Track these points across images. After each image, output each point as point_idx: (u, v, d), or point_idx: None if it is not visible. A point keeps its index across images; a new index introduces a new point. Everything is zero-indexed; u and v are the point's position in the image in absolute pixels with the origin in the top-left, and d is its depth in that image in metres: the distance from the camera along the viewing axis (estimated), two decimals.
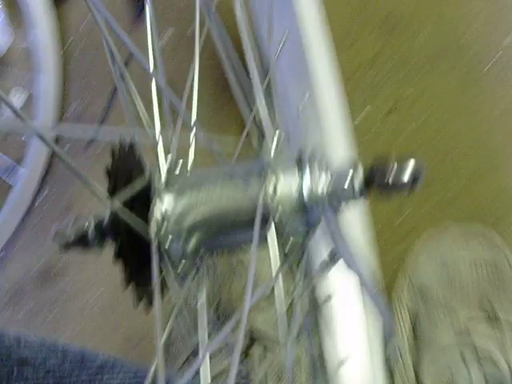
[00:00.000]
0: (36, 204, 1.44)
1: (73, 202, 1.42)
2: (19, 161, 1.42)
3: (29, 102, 1.44)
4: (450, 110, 1.18)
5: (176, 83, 1.34)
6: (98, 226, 0.51)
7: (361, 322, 0.98)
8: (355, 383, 0.97)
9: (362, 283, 0.49)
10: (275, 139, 0.52)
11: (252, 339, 0.99)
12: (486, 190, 1.12)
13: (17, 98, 1.43)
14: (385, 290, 1.06)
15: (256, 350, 0.97)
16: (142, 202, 0.49)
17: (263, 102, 0.53)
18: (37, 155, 1.41)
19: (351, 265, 0.49)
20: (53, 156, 1.43)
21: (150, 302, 0.52)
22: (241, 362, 0.95)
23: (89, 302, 1.31)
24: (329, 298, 0.94)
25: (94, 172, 1.38)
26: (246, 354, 0.97)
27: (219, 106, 1.31)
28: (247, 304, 0.41)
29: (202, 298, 0.53)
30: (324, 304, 0.90)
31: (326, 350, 0.90)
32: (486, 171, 1.13)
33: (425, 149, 1.17)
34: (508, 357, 0.88)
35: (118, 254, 0.49)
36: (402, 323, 1.02)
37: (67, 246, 0.52)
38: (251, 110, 0.52)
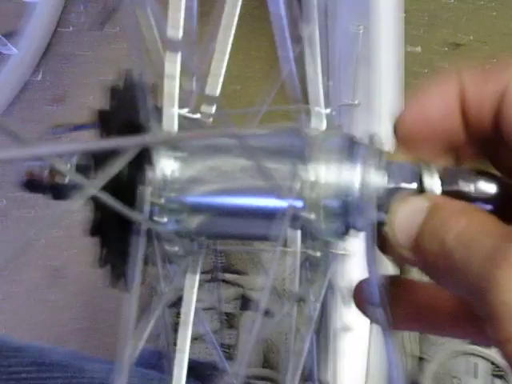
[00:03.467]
0: (27, 90, 1.31)
1: (66, 94, 1.29)
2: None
3: None
4: None
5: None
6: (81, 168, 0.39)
7: None
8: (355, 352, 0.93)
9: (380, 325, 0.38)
10: (324, 114, 0.40)
11: (244, 305, 0.91)
12: None
13: None
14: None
15: (246, 318, 0.89)
16: (136, 164, 0.38)
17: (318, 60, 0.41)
18: (35, 33, 1.27)
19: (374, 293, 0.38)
20: (52, 37, 1.30)
21: (126, 285, 0.41)
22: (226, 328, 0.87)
23: None
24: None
25: (107, 54, 1.25)
26: (233, 320, 0.89)
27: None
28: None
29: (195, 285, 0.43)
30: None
31: (330, 316, 0.83)
32: None
33: None
34: None
35: (95, 229, 0.37)
36: None
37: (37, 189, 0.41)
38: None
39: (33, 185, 0.40)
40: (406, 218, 0.35)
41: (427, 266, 0.33)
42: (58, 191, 0.40)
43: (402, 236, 0.34)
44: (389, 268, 0.40)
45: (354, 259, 0.98)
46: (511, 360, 0.30)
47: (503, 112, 0.34)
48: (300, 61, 0.40)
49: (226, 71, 0.44)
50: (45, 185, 0.40)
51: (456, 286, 0.32)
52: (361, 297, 0.41)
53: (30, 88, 1.29)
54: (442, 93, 0.35)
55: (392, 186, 0.37)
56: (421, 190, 0.36)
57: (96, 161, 0.37)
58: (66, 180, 0.39)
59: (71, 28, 1.30)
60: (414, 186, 0.36)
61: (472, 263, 0.30)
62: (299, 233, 0.37)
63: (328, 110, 0.41)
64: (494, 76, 0.34)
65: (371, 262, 0.38)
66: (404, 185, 0.36)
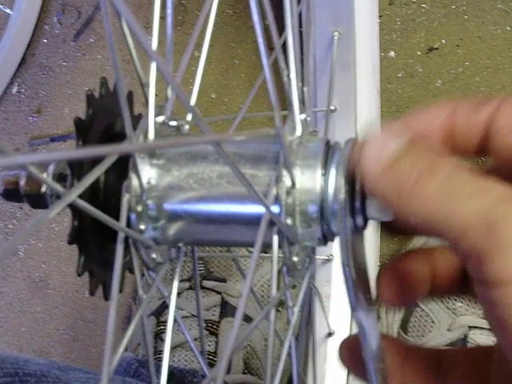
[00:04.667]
0: (2, 103, 1.30)
1: (42, 106, 1.28)
2: None
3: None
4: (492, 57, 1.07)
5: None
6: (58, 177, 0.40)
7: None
8: (336, 356, 0.94)
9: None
10: (300, 120, 0.40)
11: (223, 311, 0.91)
12: None
13: None
14: None
15: (226, 325, 0.90)
16: (116, 172, 0.38)
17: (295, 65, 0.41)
18: (9, 45, 1.26)
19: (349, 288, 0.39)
20: (27, 49, 1.29)
21: (107, 293, 0.41)
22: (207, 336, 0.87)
23: None
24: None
25: (82, 65, 1.25)
26: (215, 327, 0.89)
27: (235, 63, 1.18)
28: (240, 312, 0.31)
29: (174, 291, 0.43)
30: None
31: (314, 323, 0.83)
32: None
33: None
34: None
35: (73, 237, 0.38)
36: (391, 313, 0.93)
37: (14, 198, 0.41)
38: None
39: (10, 194, 0.40)
40: (380, 142, 0.34)
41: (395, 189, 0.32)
42: (36, 200, 0.40)
43: (373, 155, 0.34)
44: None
45: (337, 265, 0.98)
46: (505, 305, 0.29)
47: (491, 138, 0.36)
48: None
49: (204, 79, 0.44)
50: (22, 194, 0.40)
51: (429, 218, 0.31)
52: (347, 356, 0.42)
53: (5, 101, 1.29)
54: (429, 116, 0.37)
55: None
56: None
57: (73, 169, 0.38)
58: (44, 189, 0.39)
59: (46, 40, 1.30)
60: None
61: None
62: (276, 238, 0.37)
63: (303, 116, 0.41)
64: (483, 107, 0.36)
65: (346, 266, 0.38)
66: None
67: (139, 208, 0.38)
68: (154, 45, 0.40)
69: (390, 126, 0.36)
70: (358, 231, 0.39)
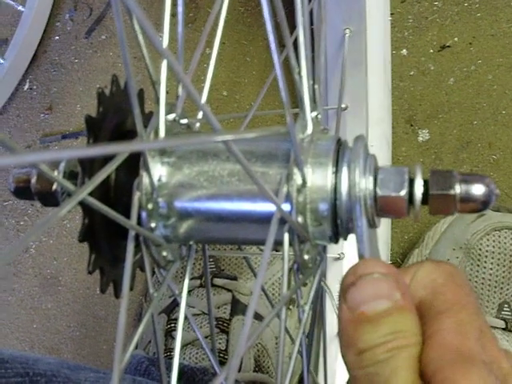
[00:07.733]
0: (14, 100, 1.31)
1: (53, 103, 1.28)
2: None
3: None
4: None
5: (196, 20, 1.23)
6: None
7: None
8: None
9: None
10: (311, 118, 0.40)
11: (234, 309, 0.90)
12: None
13: None
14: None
15: (237, 322, 0.89)
16: (127, 169, 0.38)
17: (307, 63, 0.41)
18: (21, 42, 1.26)
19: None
20: (39, 46, 1.30)
21: (118, 290, 0.41)
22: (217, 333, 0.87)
23: None
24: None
25: (94, 62, 1.25)
26: (226, 324, 0.89)
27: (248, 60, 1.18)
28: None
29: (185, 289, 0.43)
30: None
31: (325, 321, 0.83)
32: None
33: (474, 97, 1.06)
34: None
35: (84, 234, 0.37)
36: None
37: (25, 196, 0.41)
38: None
39: (21, 192, 0.40)
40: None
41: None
42: (47, 198, 0.40)
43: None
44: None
45: (348, 263, 0.98)
46: None
47: None
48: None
49: (215, 77, 0.44)
50: (33, 191, 0.40)
51: None
52: None
53: (17, 97, 1.29)
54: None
55: (382, 194, 0.37)
56: (410, 195, 0.37)
57: (84, 167, 0.38)
58: (54, 186, 0.39)
59: (58, 37, 1.30)
60: (403, 193, 0.37)
61: None
62: (287, 236, 0.37)
63: (314, 114, 0.41)
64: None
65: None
66: (394, 194, 0.37)
67: (150, 206, 0.38)
68: (165, 42, 0.40)
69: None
70: (372, 228, 0.39)
